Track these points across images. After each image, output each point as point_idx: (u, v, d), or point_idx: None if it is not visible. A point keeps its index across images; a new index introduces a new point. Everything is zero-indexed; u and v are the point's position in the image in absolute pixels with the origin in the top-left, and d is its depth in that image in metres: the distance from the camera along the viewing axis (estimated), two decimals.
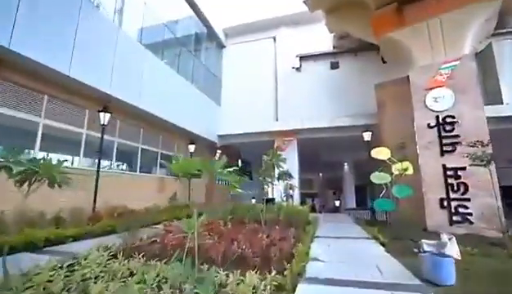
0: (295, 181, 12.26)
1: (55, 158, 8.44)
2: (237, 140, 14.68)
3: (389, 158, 7.21)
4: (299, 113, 13.44)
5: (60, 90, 6.59)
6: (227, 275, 3.18)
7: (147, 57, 9.23)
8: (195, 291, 2.27)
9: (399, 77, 9.23)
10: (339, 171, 21.37)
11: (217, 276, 3.15)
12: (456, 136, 7.12)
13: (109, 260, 3.72)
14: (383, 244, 5.38)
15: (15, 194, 4.44)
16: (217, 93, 15.38)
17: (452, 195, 6.95)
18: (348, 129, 12.41)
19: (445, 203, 7.01)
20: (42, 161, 4.22)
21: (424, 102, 7.72)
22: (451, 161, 7.10)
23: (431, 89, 7.67)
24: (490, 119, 7.38)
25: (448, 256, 3.41)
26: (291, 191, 10.93)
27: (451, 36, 7.74)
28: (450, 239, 4.05)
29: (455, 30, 7.72)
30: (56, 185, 4.58)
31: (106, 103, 7.38)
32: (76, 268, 3.38)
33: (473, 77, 7.15)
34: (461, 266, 3.59)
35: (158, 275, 3.15)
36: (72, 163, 7.46)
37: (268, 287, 2.89)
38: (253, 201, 16.62)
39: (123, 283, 2.93)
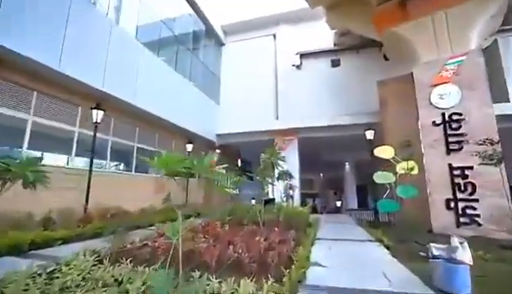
0: (296, 181, 11.98)
1: (46, 156, 8.16)
2: (236, 139, 14.42)
3: (393, 157, 6.92)
4: (300, 111, 13.16)
5: (50, 86, 6.32)
6: (220, 283, 2.91)
7: (143, 54, 8.98)
8: None
9: (402, 74, 8.97)
10: (340, 171, 21.08)
11: (208, 284, 2.88)
12: (463, 134, 6.84)
13: (94, 265, 3.46)
14: (387, 247, 5.11)
15: None
16: (215, 92, 15.12)
17: (459, 195, 6.67)
18: (350, 128, 12.13)
19: (451, 204, 6.73)
20: (20, 158, 3.94)
21: (429, 99, 7.44)
22: (458, 160, 6.81)
23: (436, 85, 7.39)
24: (496, 117, 7.09)
25: (462, 263, 3.13)
26: (291, 191, 10.66)
27: (457, 30, 7.46)
28: (461, 243, 3.77)
29: (462, 24, 7.43)
30: (44, 186, 4.32)
31: (100, 100, 7.12)
32: (57, 275, 3.12)
33: (481, 73, 6.87)
34: (474, 273, 3.31)
35: (144, 283, 2.88)
36: (68, 163, 7.20)
37: None
38: (253, 201, 16.36)
39: (104, 293, 2.66)
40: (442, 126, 7.18)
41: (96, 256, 3.82)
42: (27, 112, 5.97)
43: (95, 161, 7.59)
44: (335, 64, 13.59)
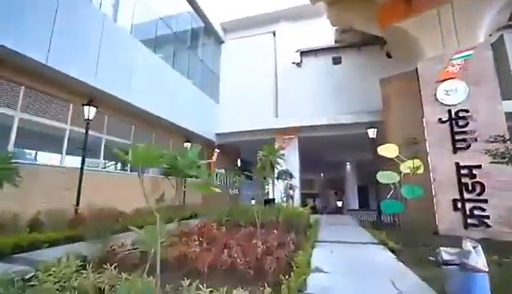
0: (296, 181, 11.72)
1: (32, 155, 7.88)
2: (236, 138, 14.14)
3: (397, 156, 6.64)
4: (300, 110, 12.89)
5: (38, 80, 6.04)
6: (212, 292, 2.63)
7: (138, 50, 8.71)
8: None
9: (406, 71, 8.70)
10: (341, 171, 20.78)
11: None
12: (471, 132, 6.54)
13: (77, 271, 3.19)
14: (392, 250, 4.82)
15: None
16: (215, 90, 14.86)
17: (467, 196, 6.37)
18: (351, 126, 11.85)
19: (458, 205, 6.43)
20: None
21: (435, 95, 7.14)
22: (465, 158, 6.52)
23: (442, 81, 7.09)
24: None
25: (479, 270, 2.84)
26: (291, 191, 10.37)
27: (464, 24, 7.18)
28: (475, 248, 3.47)
29: (469, 18, 7.16)
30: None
31: (92, 97, 6.85)
32: (33, 283, 2.85)
33: (490, 68, 6.58)
34: (491, 281, 3.02)
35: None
36: (61, 162, 6.94)
37: None
38: (253, 202, 16.08)
39: None
40: (448, 123, 6.88)
41: (80, 260, 3.54)
42: (13, 108, 5.70)
43: (88, 160, 7.36)
44: (336, 61, 13.32)
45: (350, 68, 12.97)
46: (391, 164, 7.72)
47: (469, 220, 6.26)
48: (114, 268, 3.23)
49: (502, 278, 3.27)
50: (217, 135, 14.16)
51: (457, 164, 6.60)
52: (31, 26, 5.35)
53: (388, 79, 9.47)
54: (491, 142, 5.27)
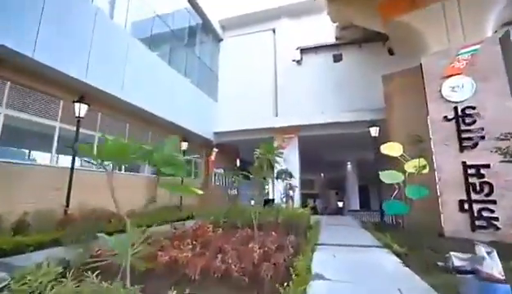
0: (296, 181, 11.44)
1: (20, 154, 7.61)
2: (234, 137, 13.87)
3: (401, 155, 6.37)
4: (300, 108, 12.64)
5: (25, 76, 5.77)
6: None
7: (133, 46, 8.43)
8: None
9: (409, 67, 8.42)
10: (342, 171, 20.51)
11: None
12: (478, 130, 6.26)
13: (56, 279, 2.92)
14: (398, 254, 4.55)
15: None
16: (213, 88, 14.59)
17: (474, 196, 6.09)
18: (352, 125, 11.58)
19: (465, 206, 6.16)
20: None
21: (440, 92, 6.87)
22: (473, 157, 6.24)
23: (448, 77, 6.82)
24: None
25: (498, 280, 2.57)
26: (291, 192, 10.09)
27: (470, 17, 6.91)
28: (489, 253, 3.20)
29: (476, 11, 6.88)
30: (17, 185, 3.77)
31: (83, 93, 6.59)
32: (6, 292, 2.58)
33: (498, 63, 6.30)
34: None
35: None
36: (56, 162, 6.68)
37: None
38: (253, 202, 15.81)
39: None
40: (454, 121, 6.61)
41: (62, 266, 3.27)
42: None
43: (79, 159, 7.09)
44: (337, 59, 13.04)
45: (351, 65, 12.70)
46: (394, 163, 7.47)
47: (477, 222, 5.98)
48: (97, 276, 2.96)
49: None
50: (216, 134, 13.89)
51: (464, 163, 6.32)
52: (16, 16, 5.08)
53: (391, 76, 9.19)
54: (501, 140, 5.01)
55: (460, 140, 6.46)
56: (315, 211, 17.64)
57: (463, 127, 6.48)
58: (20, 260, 4.04)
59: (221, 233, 5.42)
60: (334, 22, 11.99)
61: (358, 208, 17.57)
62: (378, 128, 9.25)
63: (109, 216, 7.03)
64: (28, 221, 5.38)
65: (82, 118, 6.41)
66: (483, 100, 6.33)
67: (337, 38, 13.03)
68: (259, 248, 4.01)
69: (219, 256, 3.62)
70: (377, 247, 5.24)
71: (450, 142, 6.59)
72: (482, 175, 6.06)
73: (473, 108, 6.41)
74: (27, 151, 8.40)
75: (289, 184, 10.01)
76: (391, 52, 11.83)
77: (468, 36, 6.89)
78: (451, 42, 7.09)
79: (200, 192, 1.71)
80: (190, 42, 13.06)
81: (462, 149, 6.41)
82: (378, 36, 11.67)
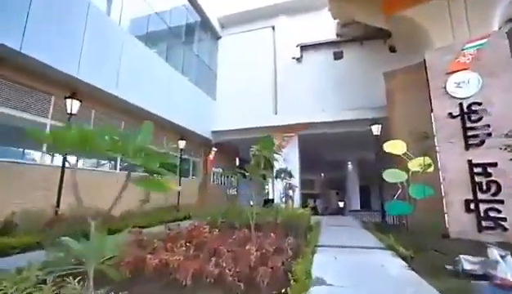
0: (296, 181, 11.21)
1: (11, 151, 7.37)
2: (233, 136, 13.65)
3: (405, 153, 6.15)
4: (300, 106, 12.41)
5: (12, 70, 5.54)
6: None
7: (127, 41, 8.19)
8: None
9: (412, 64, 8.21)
10: (343, 171, 20.28)
11: None
12: (485, 127, 6.03)
13: (35, 286, 2.70)
14: (402, 257, 4.32)
15: None
16: (212, 87, 14.38)
17: (481, 196, 5.86)
18: (353, 123, 11.36)
19: (471, 206, 5.92)
20: None
21: (445, 88, 6.64)
22: (479, 155, 6.01)
23: (453, 73, 6.59)
24: None
25: None
26: (291, 192, 9.86)
27: (476, 11, 6.68)
28: (503, 257, 2.98)
29: (482, 5, 6.65)
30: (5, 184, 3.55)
31: (75, 89, 6.36)
32: None
33: (506, 57, 6.06)
34: None
35: None
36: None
37: None
38: (252, 202, 15.57)
39: None
40: (459, 118, 6.38)
41: (45, 270, 3.05)
42: None
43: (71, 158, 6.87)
44: (338, 56, 12.82)
45: (352, 63, 12.48)
46: (397, 162, 7.25)
47: (484, 223, 5.75)
48: (79, 281, 2.74)
49: None
50: (214, 132, 13.67)
51: (470, 162, 6.09)
52: (2, 8, 4.86)
53: (393, 73, 8.98)
54: (510, 137, 4.79)
55: (466, 137, 6.23)
56: (315, 211, 17.41)
57: (469, 124, 6.25)
58: (3, 264, 3.82)
59: (217, 235, 5.20)
60: (335, 19, 11.78)
61: (359, 208, 17.34)
62: (380, 126, 9.00)
63: (102, 217, 6.81)
64: (15, 222, 5.16)
65: (74, 114, 6.18)
66: (490, 95, 6.10)
67: (338, 35, 12.83)
68: (256, 250, 3.78)
69: (213, 259, 3.41)
70: (380, 248, 5.02)
71: (455, 140, 6.36)
72: (489, 174, 5.83)
73: (480, 104, 6.18)
74: (16, 149, 8.17)
75: (289, 183, 9.77)
76: (392, 49, 11.62)
77: (473, 29, 6.67)
78: (455, 37, 6.87)
79: (178, 188, 1.48)
80: (188, 39, 12.84)
81: (468, 146, 6.18)
82: (379, 33, 11.45)
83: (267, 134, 12.39)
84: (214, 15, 14.34)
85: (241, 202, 12.51)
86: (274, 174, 9.96)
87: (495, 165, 5.78)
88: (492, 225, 5.64)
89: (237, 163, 15.96)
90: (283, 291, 2.68)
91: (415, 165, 5.75)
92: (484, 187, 5.85)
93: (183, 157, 11.42)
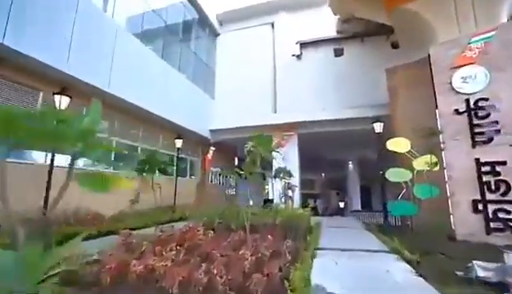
0: (295, 181, 10.95)
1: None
2: (232, 135, 13.37)
3: (409, 151, 5.88)
4: (300, 105, 12.16)
5: None
6: None
7: (121, 35, 7.92)
8: None
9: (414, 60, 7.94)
10: (343, 171, 20.02)
11: None
12: (493, 123, 5.76)
13: None
14: (408, 261, 4.05)
15: None
16: (210, 85, 14.12)
17: (489, 196, 5.58)
18: (354, 122, 11.11)
19: (479, 206, 5.64)
20: None
21: (450, 84, 6.36)
22: (487, 153, 5.73)
23: (459, 67, 6.31)
24: None
25: None
26: (290, 191, 9.59)
27: (483, 2, 6.40)
28: None
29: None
30: None
31: (65, 85, 6.10)
32: None
33: None
34: None
35: None
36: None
37: None
38: (251, 202, 15.31)
39: None
40: (466, 114, 6.10)
41: None
42: None
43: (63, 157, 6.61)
44: (338, 53, 12.53)
45: (353, 60, 12.21)
46: (399, 161, 6.99)
47: (492, 224, 5.47)
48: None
49: None
50: (212, 131, 13.41)
51: (477, 160, 5.81)
52: None
53: (396, 69, 8.71)
54: None
55: (473, 134, 5.95)
56: (315, 211, 17.14)
57: (475, 121, 5.97)
58: None
59: (212, 237, 4.94)
60: (335, 14, 11.53)
61: (360, 209, 17.06)
62: (382, 124, 8.72)
63: (93, 219, 6.56)
64: None
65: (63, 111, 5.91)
66: (498, 91, 5.82)
67: (338, 32, 12.57)
68: (252, 255, 3.52)
69: (204, 264, 3.14)
70: (384, 251, 4.75)
71: (461, 137, 6.08)
72: (498, 173, 5.55)
73: (487, 100, 5.90)
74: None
75: (288, 183, 9.50)
76: (394, 46, 11.34)
77: (480, 22, 6.42)
78: (461, 30, 6.62)
79: (133, 185, 1.22)
80: (185, 36, 12.58)
81: (475, 144, 5.90)
82: (381, 29, 11.19)
83: (266, 133, 12.21)
84: (212, 11, 14.07)
85: (240, 203, 12.27)
86: (273, 173, 9.72)
87: (504, 163, 5.50)
88: (501, 227, 5.36)
89: (236, 163, 15.70)
90: None
91: (420, 163, 5.47)
92: (493, 187, 5.57)
93: (180, 156, 11.16)
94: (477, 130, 5.93)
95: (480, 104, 5.97)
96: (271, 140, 4.13)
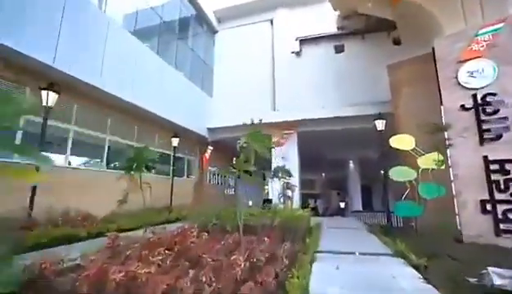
0: (295, 180, 10.66)
1: None
2: (230, 133, 13.05)
3: (414, 148, 5.60)
4: (300, 102, 11.88)
5: None
6: None
7: (113, 30, 7.62)
8: None
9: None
10: (344, 170, 19.72)
11: None
12: (502, 119, 5.48)
13: None
14: (414, 265, 3.77)
15: None
16: (208, 83, 13.84)
17: (498, 196, 5.31)
18: (355, 120, 10.83)
19: (488, 207, 5.37)
20: None
21: (456, 78, 6.08)
22: (495, 151, 5.46)
23: (465, 61, 6.04)
24: None
25: None
26: (289, 191, 9.31)
27: None
28: None
29: None
30: None
31: (52, 80, 5.82)
32: None
33: None
34: None
35: None
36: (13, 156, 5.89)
37: None
38: (250, 203, 15.05)
39: None
40: (473, 110, 5.83)
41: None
42: None
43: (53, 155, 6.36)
44: (339, 50, 12.27)
45: (353, 56, 11.93)
46: (402, 159, 6.72)
47: (502, 226, 5.20)
48: None
49: None
50: (210, 130, 13.14)
51: (485, 158, 5.53)
52: None
53: (398, 64, 8.45)
54: None
55: (481, 131, 5.68)
56: (316, 212, 16.85)
57: (483, 117, 5.70)
58: None
59: (206, 239, 4.66)
60: (335, 10, 11.24)
61: (361, 209, 16.76)
62: (384, 121, 8.44)
63: (84, 220, 6.29)
64: None
65: (50, 107, 5.63)
66: (507, 85, 5.55)
67: (339, 28, 12.28)
68: (246, 260, 3.24)
69: (193, 270, 2.86)
70: (388, 255, 4.46)
71: (468, 134, 5.80)
72: (508, 172, 5.28)
73: (496, 95, 5.63)
74: None
75: (287, 183, 9.22)
76: (396, 42, 11.06)
77: (487, 13, 6.12)
78: (467, 22, 6.33)
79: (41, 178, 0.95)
80: (182, 33, 12.30)
81: (483, 141, 5.63)
82: (382, 25, 10.91)
83: (265, 131, 11.94)
84: (210, 8, 13.80)
85: (239, 203, 11.97)
86: (271, 172, 9.44)
87: None
88: None
89: (234, 162, 15.40)
90: None
91: (426, 161, 5.19)
92: (502, 186, 5.30)
93: (177, 155, 10.88)
94: (485, 126, 5.67)
95: (488, 99, 5.70)
96: (267, 135, 3.85)
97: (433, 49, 6.63)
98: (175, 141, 10.26)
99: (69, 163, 7.21)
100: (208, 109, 13.21)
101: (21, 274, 2.71)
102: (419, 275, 3.38)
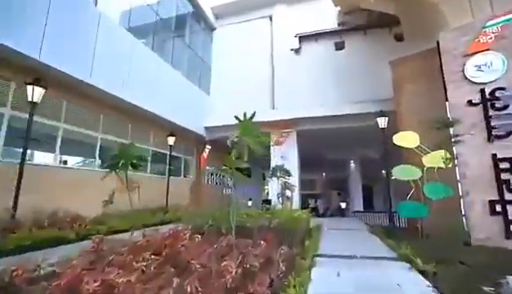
0: (295, 180, 10.37)
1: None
2: (228, 132, 12.72)
3: (418, 146, 5.31)
4: (299, 100, 11.61)
5: None
6: None
7: (104, 24, 7.32)
8: None
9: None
10: (344, 170, 19.43)
11: None
12: None
13: None
14: (421, 271, 3.49)
15: None
16: (205, 81, 13.57)
17: (508, 196, 5.02)
18: (355, 118, 10.54)
19: (497, 208, 5.08)
20: None
21: (463, 73, 5.80)
22: (505, 149, 5.17)
23: (472, 55, 5.75)
24: None
25: None
26: (288, 191, 9.02)
27: None
28: None
29: None
30: None
31: (39, 74, 5.55)
32: None
33: None
34: None
35: None
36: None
37: None
38: (250, 203, 14.77)
39: None
40: (481, 105, 5.54)
41: None
42: None
43: (41, 153, 6.09)
44: (339, 46, 11.99)
45: (354, 53, 11.64)
46: (405, 158, 6.44)
47: None
48: None
49: None
50: (207, 129, 12.86)
51: (494, 156, 5.24)
52: None
53: (401, 60, 8.16)
54: None
55: (489, 128, 5.38)
56: (316, 212, 16.56)
57: (492, 113, 5.40)
58: None
59: (198, 242, 4.36)
60: (336, 6, 11.00)
61: (362, 209, 16.45)
62: (386, 118, 8.15)
63: (73, 221, 6.01)
64: None
65: (36, 103, 5.36)
66: None
67: (339, 24, 12.01)
68: (238, 266, 2.95)
69: (178, 278, 2.58)
70: (392, 259, 4.18)
71: (475, 131, 5.51)
72: None
73: (505, 89, 5.34)
74: None
75: (286, 183, 8.93)
76: (398, 38, 10.78)
77: (495, 4, 5.84)
78: (474, 14, 6.07)
79: None
80: (179, 31, 12.04)
81: (492, 138, 5.33)
82: (384, 20, 10.65)
83: (264, 130, 11.65)
84: (208, 4, 13.53)
85: (239, 203, 11.69)
86: (270, 172, 9.17)
87: None
88: None
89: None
90: None
91: (432, 160, 4.90)
92: None
93: (173, 154, 10.61)
94: (493, 123, 5.37)
95: (497, 94, 5.42)
96: (265, 133, 3.58)
97: (438, 43, 6.35)
98: (171, 140, 9.98)
99: (60, 162, 6.95)
100: (205, 107, 12.94)
101: None
102: (428, 283, 3.09)
